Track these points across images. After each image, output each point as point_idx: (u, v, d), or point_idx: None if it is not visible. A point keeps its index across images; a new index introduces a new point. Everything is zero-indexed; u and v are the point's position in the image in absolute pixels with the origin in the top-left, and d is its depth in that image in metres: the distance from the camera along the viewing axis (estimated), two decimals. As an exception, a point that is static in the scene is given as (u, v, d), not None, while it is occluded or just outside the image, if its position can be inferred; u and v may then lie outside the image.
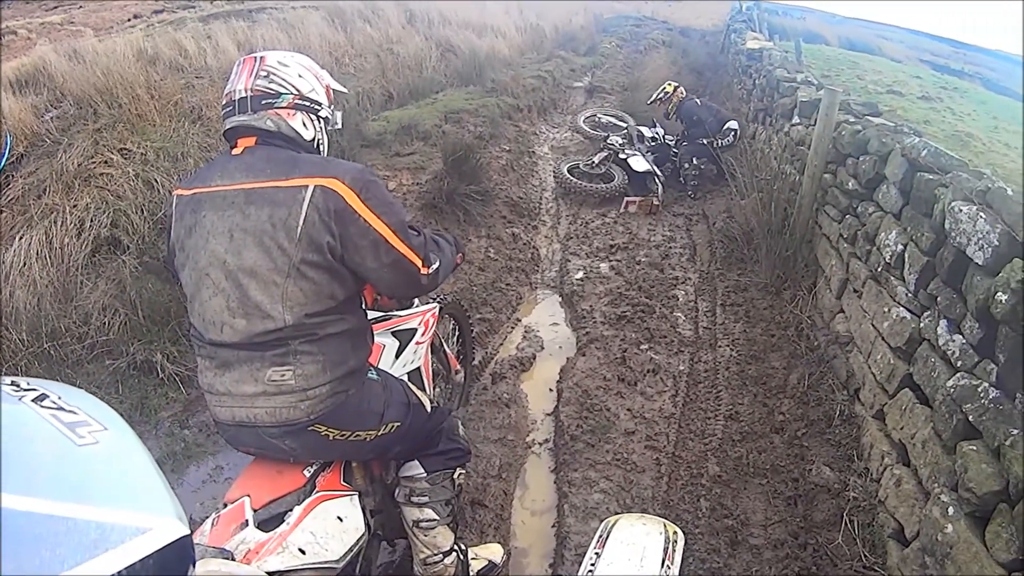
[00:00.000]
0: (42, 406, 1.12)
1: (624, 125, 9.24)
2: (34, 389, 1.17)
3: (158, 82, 6.93)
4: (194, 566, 1.12)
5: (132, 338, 4.23)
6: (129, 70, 6.81)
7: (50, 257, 4.42)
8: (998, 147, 6.58)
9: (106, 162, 5.56)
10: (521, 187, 7.78)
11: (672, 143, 8.63)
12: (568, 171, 7.94)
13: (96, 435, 1.11)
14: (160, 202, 5.13)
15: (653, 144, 8.58)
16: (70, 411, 1.14)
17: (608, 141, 8.39)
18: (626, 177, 7.97)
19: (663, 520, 1.93)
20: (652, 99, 9.21)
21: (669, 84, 9.06)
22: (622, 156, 8.15)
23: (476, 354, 4.42)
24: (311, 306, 1.94)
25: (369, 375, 2.24)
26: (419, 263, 2.10)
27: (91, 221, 4.83)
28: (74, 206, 4.97)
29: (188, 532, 1.05)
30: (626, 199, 7.70)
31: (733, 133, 8.26)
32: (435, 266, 2.18)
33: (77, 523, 0.93)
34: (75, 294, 4.34)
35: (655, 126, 8.94)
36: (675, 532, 1.88)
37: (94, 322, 4.24)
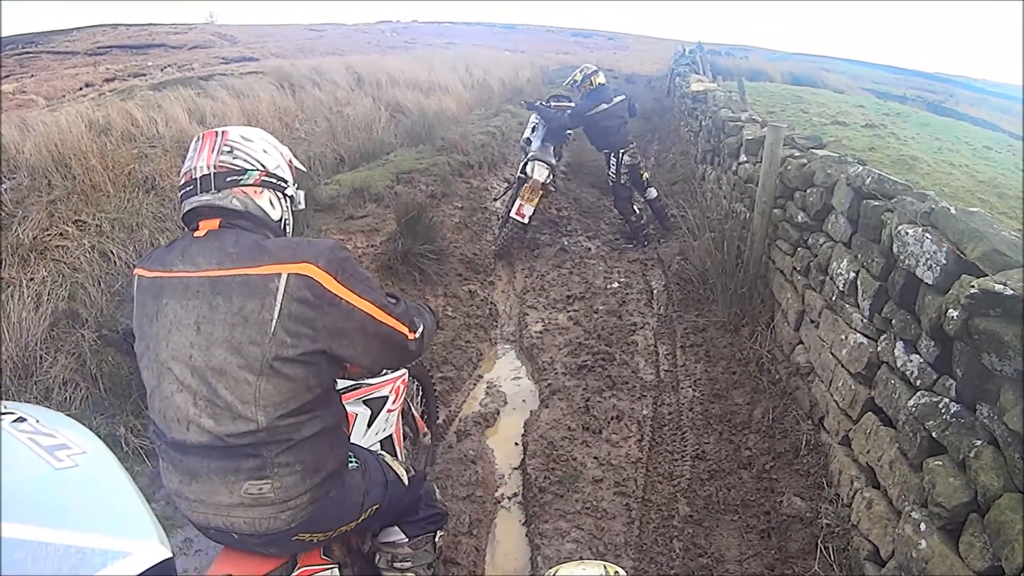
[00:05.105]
0: (20, 429, 1.11)
1: None
2: (11, 412, 1.15)
3: (111, 152, 6.84)
4: None
5: (95, 412, 4.12)
6: (82, 140, 6.74)
7: (8, 332, 4.29)
8: (943, 167, 6.79)
9: (61, 234, 5.47)
10: (475, 243, 7.77)
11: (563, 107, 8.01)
12: (503, 238, 7.63)
13: (75, 458, 1.11)
14: (116, 274, 5.06)
15: (541, 130, 7.99)
16: (49, 434, 1.14)
17: (517, 175, 7.97)
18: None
19: (603, 563, 1.89)
20: (567, 83, 8.54)
21: (580, 72, 8.19)
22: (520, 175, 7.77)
23: (440, 413, 4.36)
24: (286, 405, 1.80)
25: (350, 465, 2.12)
26: (406, 331, 2.00)
27: (48, 294, 4.71)
28: (31, 279, 4.86)
29: (171, 555, 1.04)
30: (511, 216, 7.41)
31: (614, 161, 7.89)
32: (420, 330, 2.08)
33: (56, 548, 0.93)
34: (35, 369, 4.23)
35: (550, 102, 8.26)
36: (616, 572, 1.85)
37: (55, 397, 4.12)
